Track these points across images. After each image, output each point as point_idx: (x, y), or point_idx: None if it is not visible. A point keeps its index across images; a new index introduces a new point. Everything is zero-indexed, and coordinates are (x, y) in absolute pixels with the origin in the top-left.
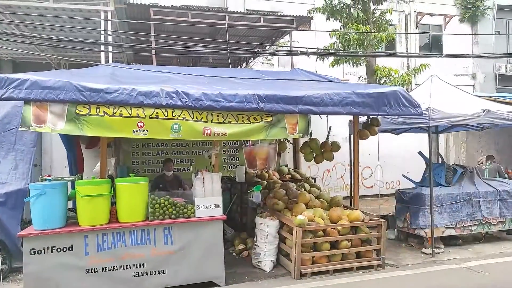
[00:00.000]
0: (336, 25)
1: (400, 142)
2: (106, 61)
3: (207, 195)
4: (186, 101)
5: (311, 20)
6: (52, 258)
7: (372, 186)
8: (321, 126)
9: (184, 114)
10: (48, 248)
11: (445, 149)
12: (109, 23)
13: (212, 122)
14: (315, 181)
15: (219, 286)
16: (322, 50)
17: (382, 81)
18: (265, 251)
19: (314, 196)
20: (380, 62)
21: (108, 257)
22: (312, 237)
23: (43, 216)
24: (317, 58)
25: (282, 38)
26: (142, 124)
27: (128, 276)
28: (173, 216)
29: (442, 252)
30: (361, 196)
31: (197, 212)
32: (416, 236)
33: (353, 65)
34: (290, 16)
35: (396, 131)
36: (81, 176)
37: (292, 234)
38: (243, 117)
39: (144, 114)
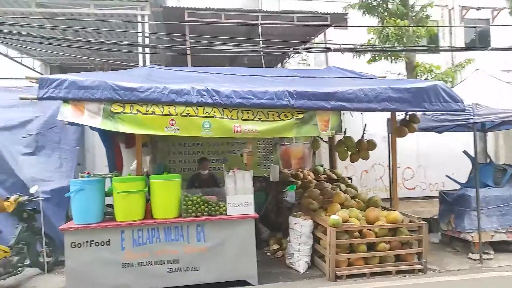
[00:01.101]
0: (373, 21)
1: (444, 141)
2: (144, 63)
3: (239, 193)
4: (216, 99)
5: (347, 18)
6: (91, 252)
7: (414, 188)
8: (356, 124)
9: (214, 112)
10: (87, 242)
11: (494, 148)
12: (146, 26)
13: (242, 119)
14: (351, 182)
15: (252, 285)
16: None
17: (423, 78)
18: (298, 251)
19: (350, 196)
20: (421, 59)
21: (143, 252)
22: (348, 238)
23: (81, 211)
24: (353, 56)
25: (317, 36)
26: (173, 122)
27: (162, 272)
28: (205, 213)
29: (491, 259)
30: (402, 198)
31: (229, 210)
32: (462, 240)
33: (392, 62)
34: (324, 13)
35: (438, 129)
36: (119, 173)
37: (326, 235)
38: (273, 114)
39: (176, 112)
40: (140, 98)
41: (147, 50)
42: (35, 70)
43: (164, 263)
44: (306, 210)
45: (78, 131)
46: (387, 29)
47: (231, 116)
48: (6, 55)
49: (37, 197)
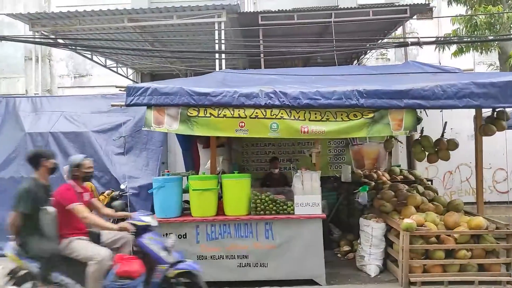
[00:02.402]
0: (459, 10)
1: None
2: (220, 68)
3: (306, 193)
4: (284, 101)
5: (430, 7)
6: None
7: (508, 191)
8: (436, 122)
9: (282, 113)
10: (166, 234)
11: None
12: (222, 32)
13: (309, 120)
14: (432, 183)
15: (320, 285)
16: (442, 39)
17: None
18: (369, 254)
19: (428, 199)
20: None
21: (215, 246)
22: (423, 243)
23: (162, 206)
24: (435, 48)
25: (396, 30)
26: (243, 124)
27: (233, 266)
28: (273, 212)
29: None
30: (493, 202)
31: (296, 209)
32: None
33: (481, 53)
34: (403, 5)
35: None
36: (195, 172)
37: (399, 239)
38: (342, 114)
39: (245, 114)
40: (212, 102)
41: (223, 55)
42: (128, 78)
43: (234, 257)
44: (378, 212)
45: (162, 133)
46: (475, 18)
47: (298, 117)
48: (105, 66)
49: (126, 192)
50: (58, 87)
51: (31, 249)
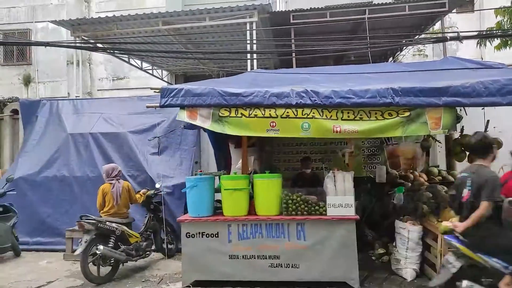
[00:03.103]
0: (503, 1)
1: None
2: (252, 68)
3: (339, 194)
4: (316, 100)
5: (474, 0)
6: (202, 242)
7: None
8: (477, 120)
9: (313, 113)
10: (199, 233)
11: None
12: (254, 33)
13: (342, 119)
14: None
15: (353, 287)
16: (485, 32)
17: None
18: (405, 258)
19: None
20: None
21: (247, 245)
22: None
23: (195, 205)
24: (477, 43)
25: (434, 24)
26: (274, 124)
27: (264, 266)
28: (305, 212)
29: None
30: None
31: (329, 210)
32: None
33: None
34: None
35: None
36: (227, 172)
37: (437, 242)
38: (376, 113)
39: (276, 114)
40: (244, 102)
41: (254, 56)
42: (163, 79)
43: (266, 257)
44: (415, 214)
45: (195, 133)
46: None
47: (331, 116)
48: (141, 68)
49: (161, 191)
50: (98, 90)
51: (491, 243)
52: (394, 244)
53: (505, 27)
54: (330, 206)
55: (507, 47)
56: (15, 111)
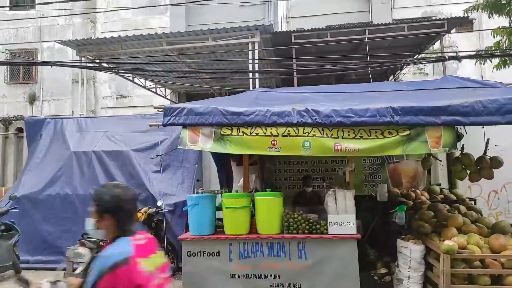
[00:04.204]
0: (501, 22)
1: None
2: (254, 87)
3: (340, 212)
4: (316, 118)
5: (470, 20)
6: (203, 261)
7: None
8: (478, 139)
9: (314, 131)
10: (200, 251)
11: None
12: (256, 52)
13: (342, 138)
14: (475, 203)
15: None
16: (484, 52)
17: None
18: (408, 277)
19: (471, 220)
20: None
21: (248, 264)
22: (465, 267)
23: (196, 223)
24: (476, 62)
25: (434, 44)
26: (275, 142)
27: (266, 285)
28: (306, 231)
29: None
30: None
31: (330, 229)
32: None
33: None
34: (439, 19)
35: None
36: (229, 190)
37: (440, 262)
38: (376, 132)
39: (277, 133)
40: (245, 121)
41: (256, 75)
42: (166, 98)
43: (267, 277)
44: (417, 233)
45: (197, 151)
46: None
47: (331, 135)
48: (144, 86)
49: (163, 209)
50: (102, 108)
51: None
52: (396, 263)
53: (504, 47)
54: (331, 224)
55: (506, 67)
56: (19, 129)
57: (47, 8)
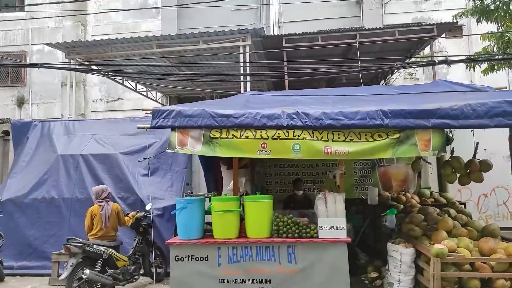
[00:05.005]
0: (489, 27)
1: None
2: (245, 90)
3: (330, 216)
4: (306, 121)
5: (459, 25)
6: (192, 266)
7: None
8: (468, 142)
9: (304, 134)
10: (188, 256)
11: None
12: (247, 55)
13: (332, 141)
14: (465, 207)
15: None
16: (473, 57)
17: None
18: (399, 281)
19: (461, 223)
20: None
21: (237, 269)
22: (455, 271)
23: (184, 227)
24: (466, 66)
25: (423, 49)
26: (265, 145)
27: None
28: (296, 235)
29: None
30: None
31: (320, 232)
32: None
33: None
34: (428, 25)
35: None
36: (218, 193)
37: (430, 265)
38: (366, 135)
39: (267, 136)
40: (235, 123)
41: (248, 78)
42: (157, 101)
43: (256, 281)
44: (407, 236)
45: (187, 154)
46: (507, 34)
47: (321, 137)
48: (135, 90)
49: (151, 213)
50: (92, 111)
51: None
52: (386, 267)
53: (493, 52)
54: (322, 228)
55: (494, 72)
56: (6, 132)
57: (37, 9)
